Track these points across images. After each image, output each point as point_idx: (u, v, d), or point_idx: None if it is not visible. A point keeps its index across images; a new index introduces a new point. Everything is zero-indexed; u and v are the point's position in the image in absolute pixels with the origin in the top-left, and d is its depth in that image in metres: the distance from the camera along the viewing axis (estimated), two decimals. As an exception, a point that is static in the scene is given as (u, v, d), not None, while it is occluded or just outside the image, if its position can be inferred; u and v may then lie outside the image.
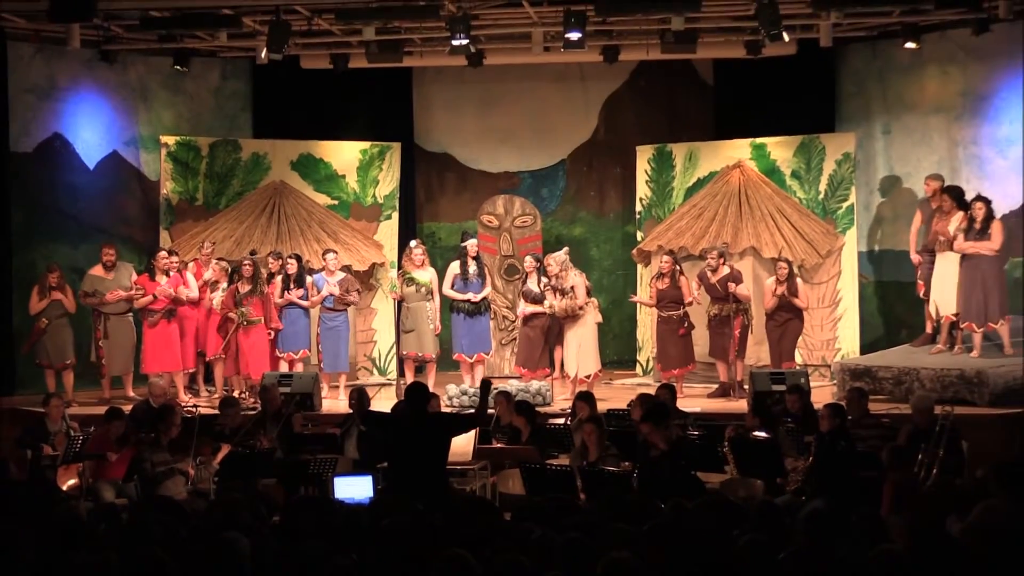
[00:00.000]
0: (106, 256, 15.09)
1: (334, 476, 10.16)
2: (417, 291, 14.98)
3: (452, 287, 15.20)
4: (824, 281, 15.85)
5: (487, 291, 15.35)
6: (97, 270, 15.13)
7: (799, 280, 14.80)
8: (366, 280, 16.37)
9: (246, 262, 14.80)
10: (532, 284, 14.96)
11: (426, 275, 15.08)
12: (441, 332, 15.29)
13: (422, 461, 9.37)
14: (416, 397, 9.66)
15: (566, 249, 15.12)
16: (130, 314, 15.19)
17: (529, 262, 15.16)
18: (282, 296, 15.01)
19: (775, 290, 14.54)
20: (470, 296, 15.12)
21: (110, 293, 14.93)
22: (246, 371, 14.67)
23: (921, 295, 14.96)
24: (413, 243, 15.42)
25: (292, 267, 15.06)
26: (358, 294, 15.46)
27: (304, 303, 15.06)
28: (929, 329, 14.86)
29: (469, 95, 18.24)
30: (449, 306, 15.32)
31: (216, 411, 12.79)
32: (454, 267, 15.28)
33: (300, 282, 15.05)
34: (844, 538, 6.46)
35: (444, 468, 9.67)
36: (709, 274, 14.68)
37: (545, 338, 14.98)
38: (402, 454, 9.47)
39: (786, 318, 14.56)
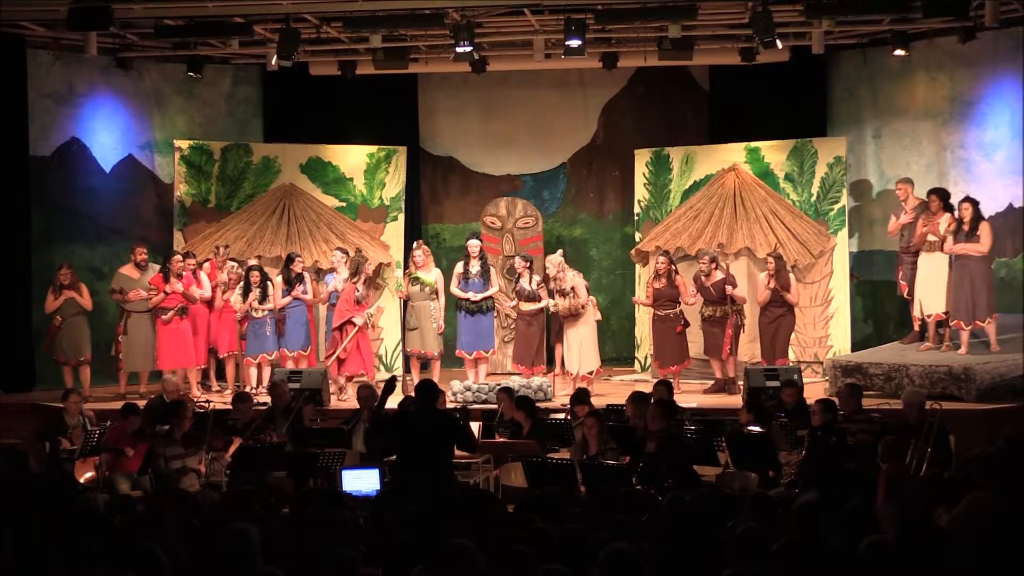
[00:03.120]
0: (140, 256, 15.31)
1: (342, 469, 10.32)
2: (421, 290, 15.08)
3: (457, 286, 15.32)
4: (817, 280, 15.91)
5: (493, 290, 15.41)
6: (127, 269, 15.32)
7: (791, 276, 14.89)
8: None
9: (368, 264, 14.98)
10: (524, 283, 15.08)
11: (431, 275, 15.17)
12: (446, 330, 15.40)
13: (428, 455, 9.36)
14: (426, 394, 9.68)
15: (561, 252, 15.29)
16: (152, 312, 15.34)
17: (519, 263, 15.21)
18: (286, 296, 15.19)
19: (767, 283, 14.67)
20: (470, 295, 15.22)
21: (133, 292, 15.13)
22: (360, 369, 14.74)
23: (905, 295, 15.12)
24: (414, 245, 15.53)
25: (298, 266, 15.26)
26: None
27: (306, 297, 15.23)
28: (916, 327, 14.99)
29: (473, 100, 18.34)
30: (455, 304, 15.46)
31: (228, 406, 12.94)
32: (459, 267, 15.42)
33: (301, 279, 15.25)
34: (835, 529, 6.62)
35: (449, 462, 9.70)
36: (703, 278, 14.77)
37: (541, 335, 15.16)
38: (409, 448, 9.47)
39: (778, 314, 14.66)
